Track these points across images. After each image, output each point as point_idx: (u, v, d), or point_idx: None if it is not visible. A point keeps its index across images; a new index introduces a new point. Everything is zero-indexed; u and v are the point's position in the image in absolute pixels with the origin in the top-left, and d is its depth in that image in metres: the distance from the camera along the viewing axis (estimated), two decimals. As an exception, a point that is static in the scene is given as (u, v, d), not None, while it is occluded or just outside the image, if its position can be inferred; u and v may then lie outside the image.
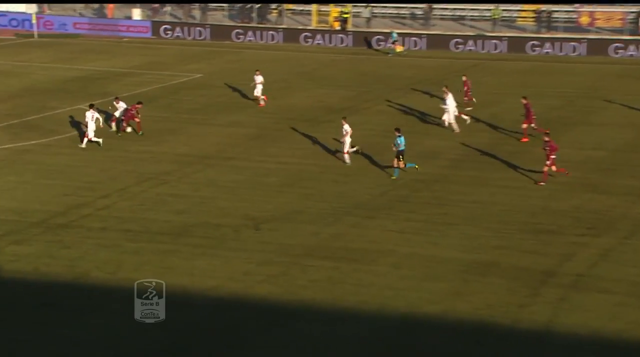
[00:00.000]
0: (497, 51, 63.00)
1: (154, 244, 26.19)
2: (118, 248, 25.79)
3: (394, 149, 32.35)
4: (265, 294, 23.00)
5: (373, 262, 25.07)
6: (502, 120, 41.72)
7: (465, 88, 43.24)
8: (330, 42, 66.52)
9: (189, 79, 52.32)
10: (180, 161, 34.97)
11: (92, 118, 36.54)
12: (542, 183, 31.81)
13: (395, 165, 32.49)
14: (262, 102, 44.44)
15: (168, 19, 72.77)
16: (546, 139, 31.75)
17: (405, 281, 23.86)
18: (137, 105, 38.75)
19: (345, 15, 68.87)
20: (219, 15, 73.07)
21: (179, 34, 69.45)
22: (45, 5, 77.42)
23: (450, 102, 39.31)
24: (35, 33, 69.53)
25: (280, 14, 71.38)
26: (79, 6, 78.79)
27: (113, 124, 39.17)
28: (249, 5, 71.32)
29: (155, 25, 70.48)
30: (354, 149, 34.51)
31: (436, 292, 23.15)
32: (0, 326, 21.34)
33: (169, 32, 69.79)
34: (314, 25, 69.78)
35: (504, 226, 27.93)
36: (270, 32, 68.11)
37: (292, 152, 36.42)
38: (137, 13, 72.90)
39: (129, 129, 38.97)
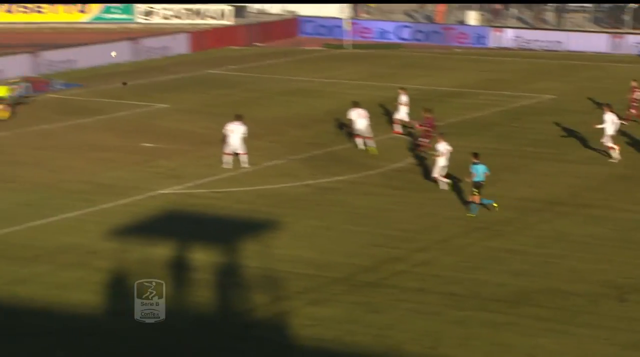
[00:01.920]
0: None
1: (483, 313, 26.36)
2: (438, 316, 26.22)
3: (467, 179, 34.00)
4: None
5: None
6: None
7: (633, 96, 43.68)
8: None
9: (535, 102, 52.27)
10: (520, 207, 35.02)
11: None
12: None
13: (471, 200, 33.84)
14: (398, 129, 45.03)
15: (512, 23, 73.42)
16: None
17: None
18: (428, 116, 40.79)
19: None
20: (580, 18, 72.58)
21: (525, 44, 69.85)
22: (362, 7, 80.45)
23: (609, 117, 39.39)
24: (349, 43, 72.68)
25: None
26: (402, 6, 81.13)
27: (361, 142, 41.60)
28: (621, 5, 70.21)
29: (495, 33, 71.38)
30: (446, 181, 36.25)
31: None
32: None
33: (513, 41, 70.50)
34: None
35: None
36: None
37: (673, 199, 35.33)
38: (472, 16, 74.24)
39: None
